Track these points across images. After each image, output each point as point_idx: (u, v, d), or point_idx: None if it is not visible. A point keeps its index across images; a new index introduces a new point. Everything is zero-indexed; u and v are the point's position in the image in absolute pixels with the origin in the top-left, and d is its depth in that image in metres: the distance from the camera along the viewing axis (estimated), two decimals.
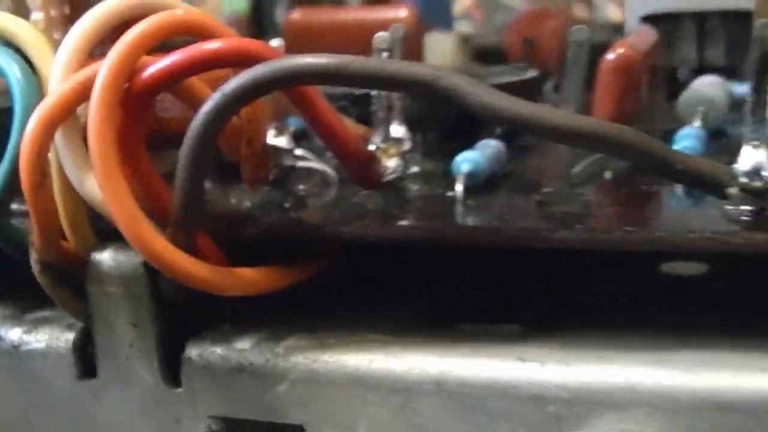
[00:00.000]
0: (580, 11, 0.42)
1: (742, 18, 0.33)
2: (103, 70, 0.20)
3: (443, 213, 0.23)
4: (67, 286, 0.23)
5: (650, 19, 0.34)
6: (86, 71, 0.21)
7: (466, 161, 0.25)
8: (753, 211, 0.21)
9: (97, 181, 0.20)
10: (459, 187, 0.24)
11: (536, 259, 0.25)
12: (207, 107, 0.20)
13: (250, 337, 0.22)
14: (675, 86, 0.31)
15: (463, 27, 0.44)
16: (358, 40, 0.26)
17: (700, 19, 0.34)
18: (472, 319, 0.23)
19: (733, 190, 0.21)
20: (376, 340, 0.22)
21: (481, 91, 0.20)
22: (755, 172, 0.21)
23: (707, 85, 0.30)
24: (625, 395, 0.20)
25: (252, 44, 0.20)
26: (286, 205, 0.24)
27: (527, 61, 0.36)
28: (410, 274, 0.26)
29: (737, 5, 0.33)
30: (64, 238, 0.22)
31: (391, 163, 0.24)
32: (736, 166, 0.21)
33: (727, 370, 0.19)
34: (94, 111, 0.20)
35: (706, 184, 0.21)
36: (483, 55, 0.43)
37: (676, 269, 0.25)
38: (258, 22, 0.46)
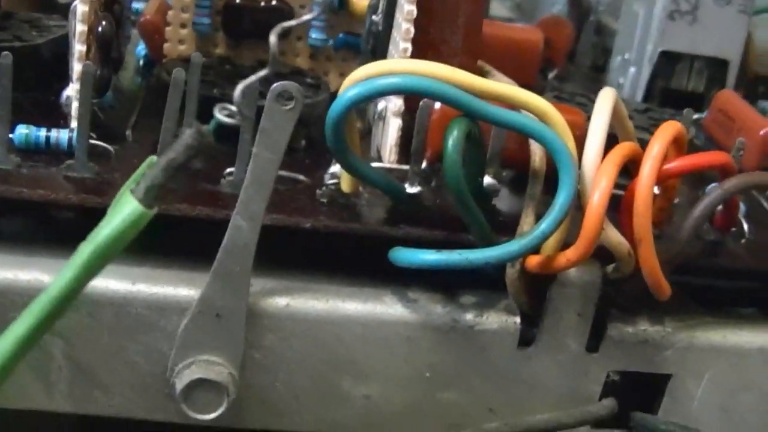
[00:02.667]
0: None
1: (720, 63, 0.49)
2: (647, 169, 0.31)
3: None
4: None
5: (663, 53, 0.49)
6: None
7: None
8: None
9: (637, 235, 0.31)
10: None
11: None
12: (712, 198, 0.32)
13: (643, 318, 0.35)
14: None
15: None
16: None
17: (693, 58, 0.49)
18: None
19: None
20: None
21: None
22: None
23: None
24: None
25: (727, 159, 0.32)
26: None
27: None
28: None
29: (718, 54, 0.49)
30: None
31: None
32: None
33: None
34: (642, 194, 0.31)
35: None
36: None
37: None
38: None
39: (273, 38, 0.27)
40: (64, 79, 0.37)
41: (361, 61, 0.38)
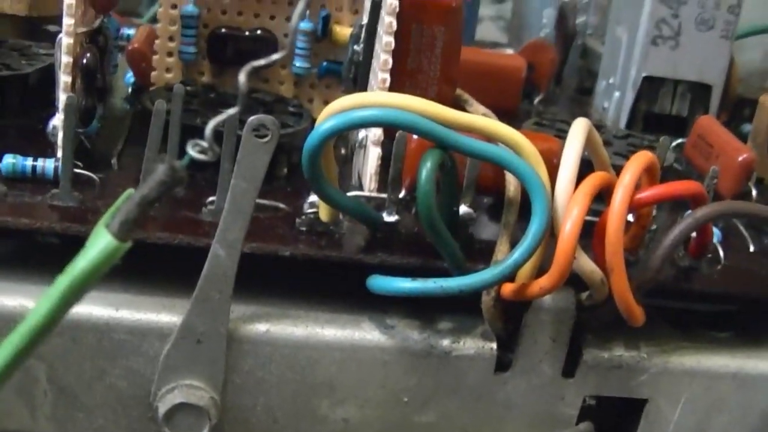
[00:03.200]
0: None
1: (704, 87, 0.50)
2: (618, 200, 0.31)
3: None
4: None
5: (647, 78, 0.50)
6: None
7: None
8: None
9: (609, 264, 0.32)
10: None
11: None
12: (682, 227, 0.32)
13: (619, 343, 0.35)
14: None
15: None
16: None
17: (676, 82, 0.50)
18: None
19: None
20: None
21: None
22: None
23: None
24: None
25: (699, 188, 0.33)
26: None
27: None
28: None
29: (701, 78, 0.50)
30: None
31: None
32: None
33: None
34: (614, 224, 0.31)
35: None
36: None
37: None
38: None
39: (242, 77, 0.27)
40: (52, 107, 0.38)
41: (343, 90, 0.39)
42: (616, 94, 0.51)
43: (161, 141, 0.34)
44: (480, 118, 0.32)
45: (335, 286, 0.35)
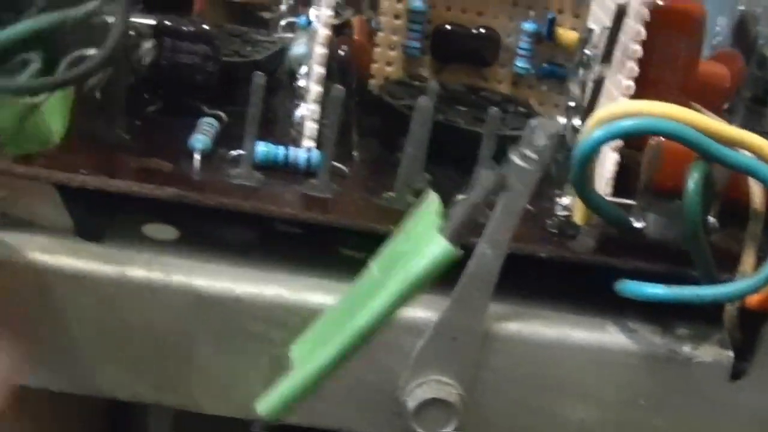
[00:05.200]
0: None
1: None
2: None
3: None
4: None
5: None
6: None
7: None
8: None
9: None
10: None
11: None
12: None
13: None
14: None
15: None
16: None
17: None
18: None
19: None
20: None
21: None
22: None
23: None
24: None
25: None
26: None
27: None
28: None
29: None
30: None
31: None
32: None
33: None
34: None
35: None
36: None
37: None
38: None
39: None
40: (275, 94, 0.38)
41: (568, 93, 0.39)
42: None
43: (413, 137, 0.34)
44: (747, 132, 0.33)
45: (572, 285, 0.36)
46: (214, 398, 0.34)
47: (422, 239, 0.26)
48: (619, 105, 0.32)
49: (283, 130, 0.37)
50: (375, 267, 0.29)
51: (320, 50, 0.35)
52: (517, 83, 0.42)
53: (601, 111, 0.32)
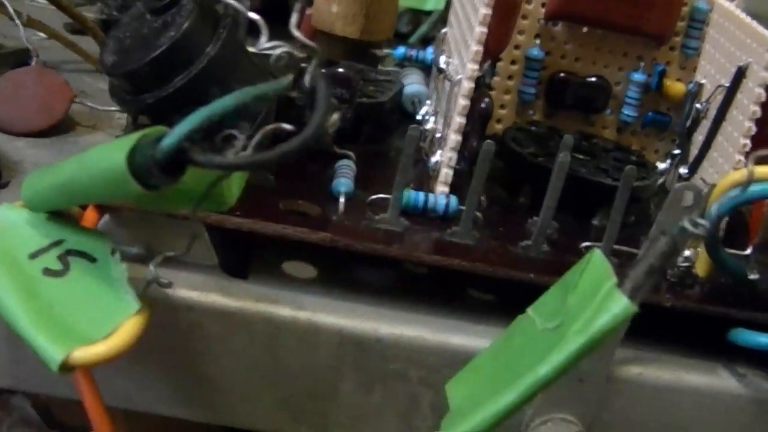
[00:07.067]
0: None
1: None
2: None
3: None
4: None
5: None
6: None
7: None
8: None
9: None
10: None
11: None
12: None
13: None
14: None
15: None
16: None
17: None
18: None
19: None
20: None
21: None
22: None
23: None
24: None
25: None
26: None
27: None
28: None
29: None
30: None
31: None
32: None
33: None
34: None
35: None
36: None
37: None
38: None
39: None
40: (391, 134, 0.40)
41: (678, 143, 0.42)
42: None
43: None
44: None
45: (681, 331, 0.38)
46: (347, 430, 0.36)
47: (597, 295, 0.28)
48: (756, 169, 0.34)
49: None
50: (535, 316, 0.31)
51: (463, 102, 0.36)
52: (621, 129, 0.44)
53: (735, 174, 0.34)
